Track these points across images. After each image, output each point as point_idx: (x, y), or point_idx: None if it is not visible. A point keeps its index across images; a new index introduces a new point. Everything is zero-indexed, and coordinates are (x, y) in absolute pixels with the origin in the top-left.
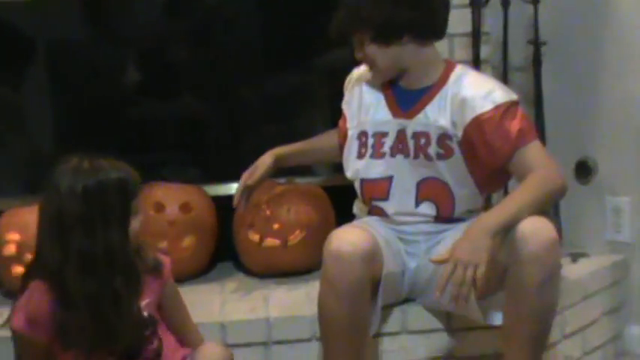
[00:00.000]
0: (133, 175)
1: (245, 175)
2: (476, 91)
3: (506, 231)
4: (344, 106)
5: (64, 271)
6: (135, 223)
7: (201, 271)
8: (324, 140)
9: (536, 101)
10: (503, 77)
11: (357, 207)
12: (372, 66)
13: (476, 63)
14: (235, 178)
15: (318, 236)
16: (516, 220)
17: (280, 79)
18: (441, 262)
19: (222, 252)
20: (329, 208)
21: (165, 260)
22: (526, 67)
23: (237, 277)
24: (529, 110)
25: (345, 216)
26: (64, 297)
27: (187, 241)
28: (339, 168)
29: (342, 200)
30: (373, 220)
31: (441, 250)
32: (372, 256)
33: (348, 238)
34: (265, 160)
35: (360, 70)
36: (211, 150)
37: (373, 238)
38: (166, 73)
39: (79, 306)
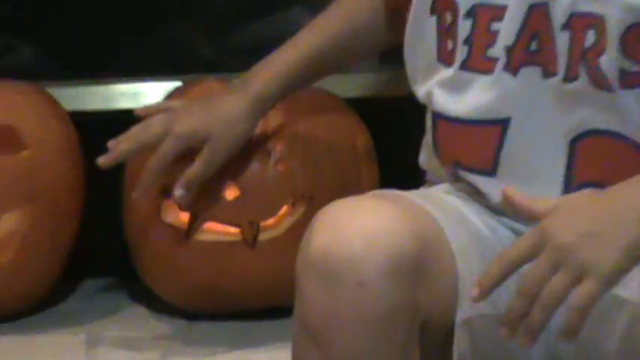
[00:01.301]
0: None
1: (196, 169)
2: None
3: None
4: None
5: None
6: None
7: (41, 297)
8: (348, 17)
9: None
10: None
11: (427, 156)
12: None
13: None
14: (146, 71)
15: None
16: None
17: None
18: (515, 206)
19: (97, 251)
20: (365, 149)
21: None
22: None
23: (131, 313)
24: None
25: (404, 172)
26: None
27: (8, 222)
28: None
29: (394, 131)
30: (452, 195)
31: None
32: (419, 271)
33: (359, 225)
34: (237, 127)
35: None
36: (80, 5)
37: (429, 233)
38: None
39: None
